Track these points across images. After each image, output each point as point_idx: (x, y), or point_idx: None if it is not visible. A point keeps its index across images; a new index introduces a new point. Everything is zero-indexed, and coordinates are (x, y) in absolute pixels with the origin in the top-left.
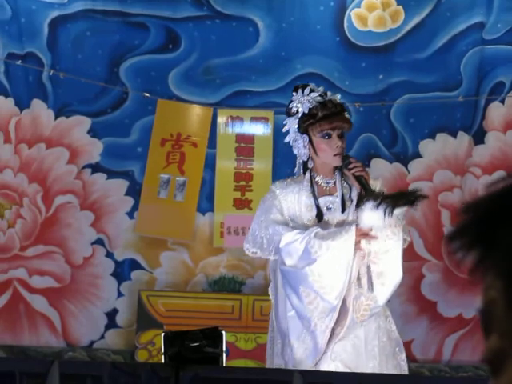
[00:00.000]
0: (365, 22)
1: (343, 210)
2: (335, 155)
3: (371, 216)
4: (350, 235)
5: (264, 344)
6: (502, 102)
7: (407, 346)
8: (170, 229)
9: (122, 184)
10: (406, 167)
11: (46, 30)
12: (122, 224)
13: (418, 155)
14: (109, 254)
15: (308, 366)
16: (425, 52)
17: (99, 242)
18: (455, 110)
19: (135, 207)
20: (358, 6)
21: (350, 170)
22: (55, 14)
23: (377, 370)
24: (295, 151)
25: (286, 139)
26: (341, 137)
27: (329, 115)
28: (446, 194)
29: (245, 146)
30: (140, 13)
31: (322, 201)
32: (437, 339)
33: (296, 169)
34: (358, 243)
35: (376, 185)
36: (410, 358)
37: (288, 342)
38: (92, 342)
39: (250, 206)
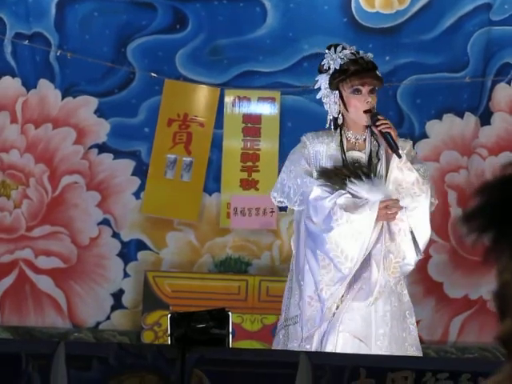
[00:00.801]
0: (372, 3)
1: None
2: (365, 111)
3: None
4: (373, 211)
5: (270, 325)
6: (509, 83)
7: None
8: (177, 209)
9: (129, 164)
10: (413, 148)
11: (53, 10)
12: (129, 204)
13: (424, 136)
14: (115, 235)
15: (315, 325)
16: (431, 33)
17: (105, 222)
18: (462, 90)
19: (142, 187)
20: None
21: (378, 126)
22: None
23: (387, 336)
24: (326, 107)
25: (318, 96)
26: (372, 93)
27: (359, 71)
28: (452, 175)
29: (252, 126)
30: None
31: (349, 155)
32: (443, 320)
33: (327, 125)
34: (380, 217)
35: (405, 146)
36: None
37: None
38: (98, 323)
39: (256, 186)
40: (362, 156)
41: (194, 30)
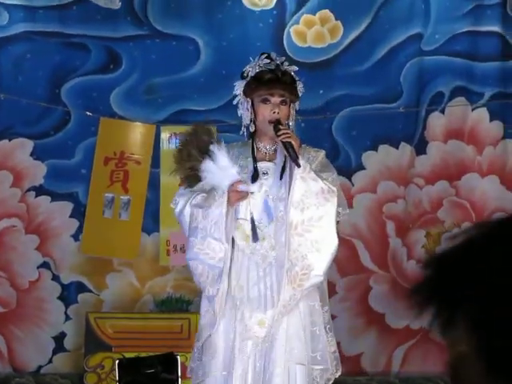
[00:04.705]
0: (304, 38)
1: (281, 177)
2: (270, 121)
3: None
4: (224, 197)
5: None
6: (442, 111)
7: (357, 359)
8: (116, 248)
9: (67, 206)
10: (350, 180)
11: None
12: (68, 247)
13: (361, 167)
14: (55, 278)
15: (207, 333)
16: (364, 65)
17: (45, 265)
18: (396, 121)
19: (80, 229)
20: (297, 22)
21: (279, 136)
22: None
23: (303, 350)
24: (239, 113)
25: (234, 101)
26: (282, 104)
27: (270, 80)
28: (390, 205)
29: None
30: (80, 33)
31: (259, 166)
32: (386, 351)
33: (241, 132)
34: (231, 202)
35: (318, 156)
36: (360, 372)
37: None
38: (40, 367)
39: None
40: (272, 166)
41: (127, 70)
